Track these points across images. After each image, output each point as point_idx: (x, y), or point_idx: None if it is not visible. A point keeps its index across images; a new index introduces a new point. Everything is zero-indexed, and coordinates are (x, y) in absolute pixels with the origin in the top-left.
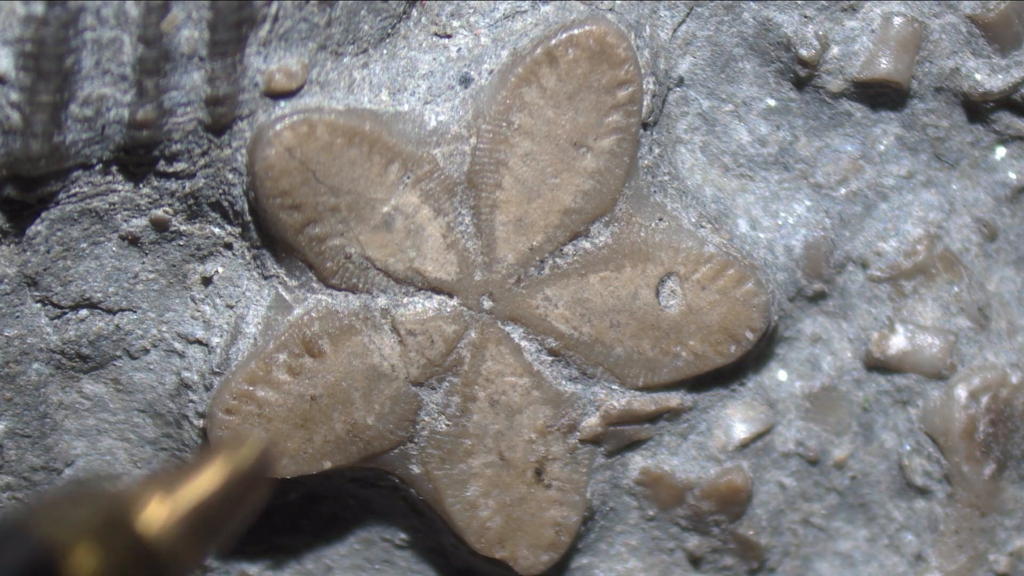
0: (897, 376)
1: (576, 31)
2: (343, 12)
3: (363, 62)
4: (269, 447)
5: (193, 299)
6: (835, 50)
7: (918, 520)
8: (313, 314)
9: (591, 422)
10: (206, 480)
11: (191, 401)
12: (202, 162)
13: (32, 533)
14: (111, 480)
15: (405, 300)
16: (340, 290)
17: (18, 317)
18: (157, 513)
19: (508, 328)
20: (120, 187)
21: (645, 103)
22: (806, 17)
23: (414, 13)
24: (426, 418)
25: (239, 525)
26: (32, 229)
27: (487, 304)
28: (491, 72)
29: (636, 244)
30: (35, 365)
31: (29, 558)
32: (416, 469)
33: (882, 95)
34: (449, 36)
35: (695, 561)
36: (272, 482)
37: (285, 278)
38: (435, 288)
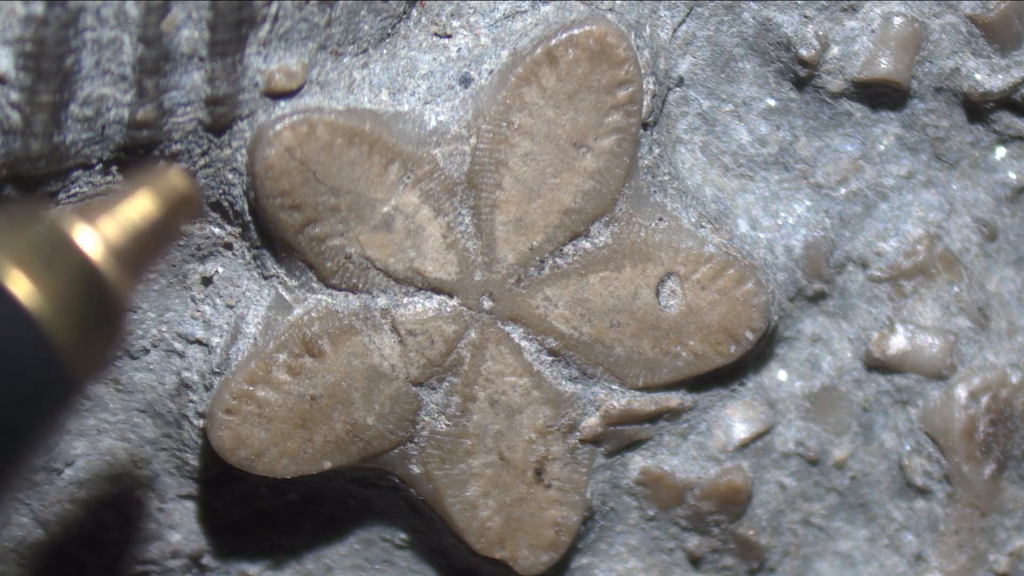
0: (897, 376)
1: (576, 31)
2: (343, 12)
3: (363, 62)
4: (192, 176)
5: (193, 299)
6: (835, 50)
7: (918, 520)
8: (313, 314)
9: (591, 422)
10: (137, 205)
11: (191, 401)
12: (202, 162)
13: None
14: (41, 207)
15: (405, 300)
16: (340, 290)
17: None
18: (95, 235)
19: (508, 328)
20: (120, 187)
21: (645, 103)
22: (806, 17)
23: (414, 13)
24: (426, 418)
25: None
26: None
27: (487, 304)
28: (491, 72)
29: (636, 244)
30: None
31: None
32: (416, 469)
33: (882, 95)
34: (449, 36)
35: (695, 561)
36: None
37: (285, 278)
38: (435, 288)
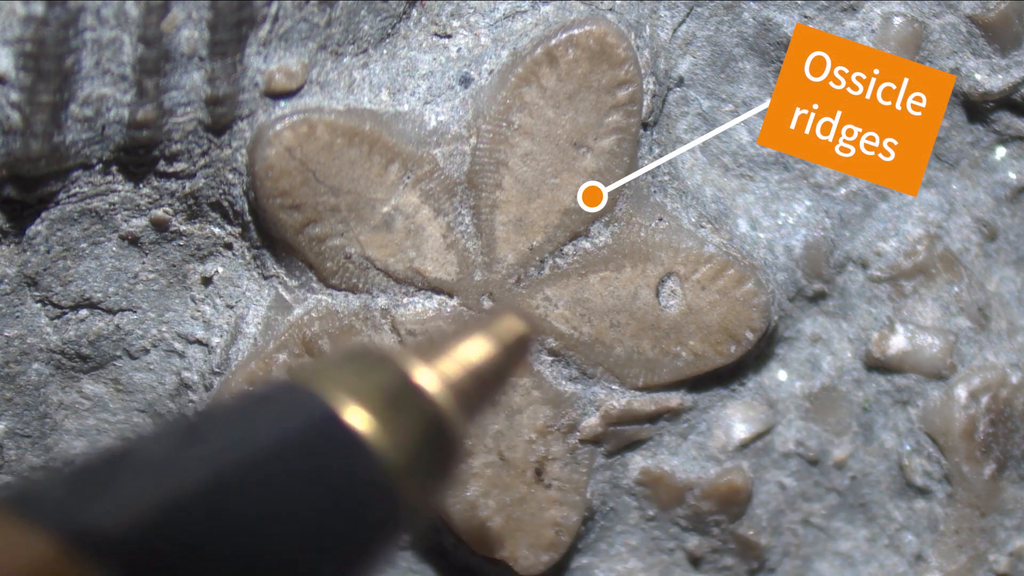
0: (897, 376)
1: (576, 31)
2: (343, 12)
3: (363, 62)
4: (530, 319)
5: (193, 299)
6: None
7: (918, 520)
8: (313, 314)
9: (591, 422)
10: (474, 346)
11: (191, 401)
12: (202, 162)
13: (318, 395)
14: (380, 347)
15: (405, 300)
16: (340, 290)
17: (18, 317)
18: (435, 376)
19: None
20: (120, 187)
21: (645, 103)
22: (806, 17)
23: (414, 13)
24: None
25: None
26: (32, 229)
27: (487, 304)
28: (491, 72)
29: (636, 244)
30: (35, 365)
31: (319, 420)
32: None
33: None
34: (449, 36)
35: (695, 561)
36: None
37: (285, 278)
38: (435, 288)
